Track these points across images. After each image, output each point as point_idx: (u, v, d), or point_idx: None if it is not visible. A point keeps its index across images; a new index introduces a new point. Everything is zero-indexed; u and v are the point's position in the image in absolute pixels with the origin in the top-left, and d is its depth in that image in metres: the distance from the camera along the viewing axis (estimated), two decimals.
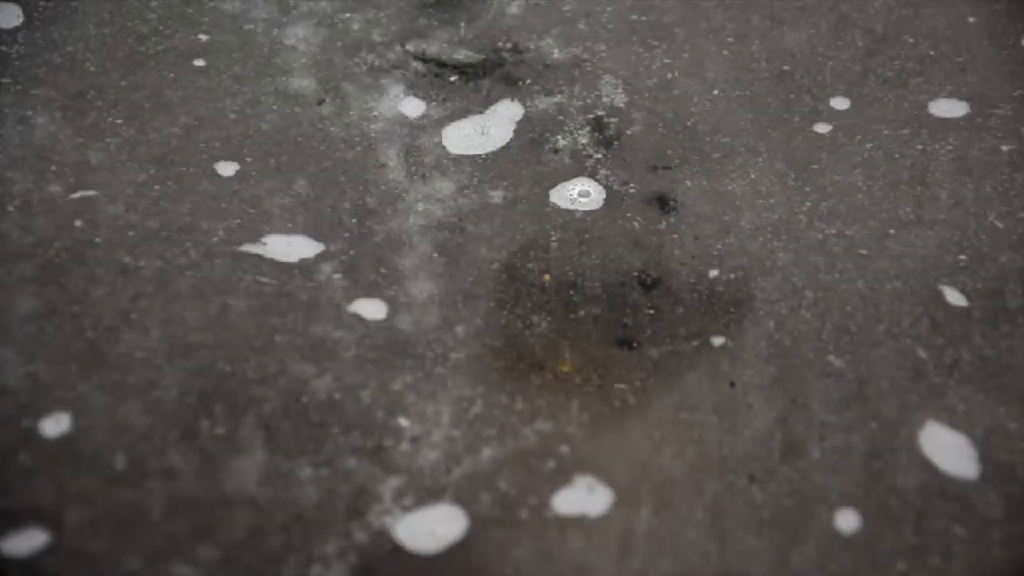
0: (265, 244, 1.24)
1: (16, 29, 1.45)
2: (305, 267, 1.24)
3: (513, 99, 1.35)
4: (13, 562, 1.02)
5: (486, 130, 1.32)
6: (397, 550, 1.04)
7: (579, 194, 1.19)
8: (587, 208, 1.20)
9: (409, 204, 1.31)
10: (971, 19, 1.52)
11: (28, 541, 1.02)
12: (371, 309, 1.21)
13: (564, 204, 1.22)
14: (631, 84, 1.44)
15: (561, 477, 1.09)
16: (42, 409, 1.10)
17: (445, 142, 1.36)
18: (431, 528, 1.07)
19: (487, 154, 1.34)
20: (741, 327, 1.21)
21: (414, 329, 1.20)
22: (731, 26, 1.52)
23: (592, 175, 1.26)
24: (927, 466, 1.11)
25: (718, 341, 1.19)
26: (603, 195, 1.20)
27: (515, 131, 1.35)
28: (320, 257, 1.24)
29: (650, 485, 1.09)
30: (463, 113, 1.40)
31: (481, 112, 1.38)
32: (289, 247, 1.25)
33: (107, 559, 1.02)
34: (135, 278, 1.22)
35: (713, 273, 1.25)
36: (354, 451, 1.10)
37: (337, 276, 1.24)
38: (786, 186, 1.33)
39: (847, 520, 1.07)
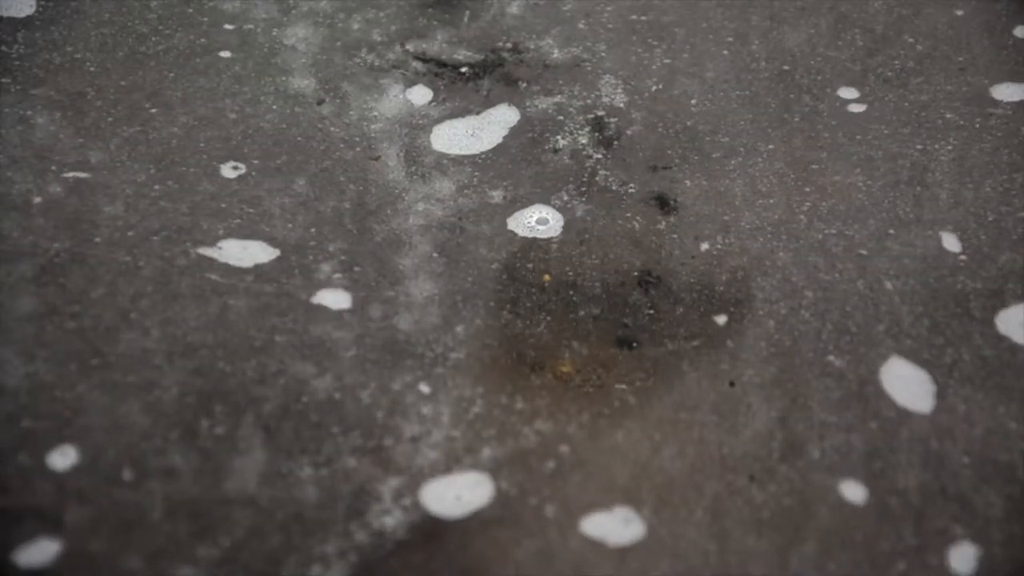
0: (220, 248, 1.24)
1: (28, 19, 1.45)
2: (261, 272, 1.23)
3: (511, 104, 1.35)
4: (15, 563, 1.02)
5: (477, 132, 1.32)
6: (400, 546, 1.04)
7: (537, 221, 1.19)
8: (546, 236, 1.21)
9: (409, 204, 1.31)
10: (971, 19, 1.52)
11: (41, 552, 1.02)
12: (334, 299, 1.21)
13: (522, 232, 1.22)
14: (631, 84, 1.45)
15: (599, 504, 1.09)
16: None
17: (432, 139, 1.36)
18: (457, 493, 1.07)
19: (472, 155, 1.34)
20: (741, 327, 1.21)
21: (414, 329, 1.20)
22: (731, 26, 1.52)
23: (552, 198, 1.26)
24: (886, 399, 1.11)
25: (721, 320, 1.19)
26: (561, 222, 1.20)
27: (505, 136, 1.35)
28: (278, 262, 1.24)
29: (650, 485, 1.09)
30: (463, 112, 1.40)
31: (477, 114, 1.38)
32: (244, 252, 1.24)
33: (107, 559, 1.02)
34: (135, 278, 1.22)
35: (713, 273, 1.25)
36: (354, 451, 1.10)
37: (337, 276, 1.24)
38: (786, 186, 1.33)
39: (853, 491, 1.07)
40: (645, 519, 1.06)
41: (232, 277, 1.23)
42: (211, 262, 1.24)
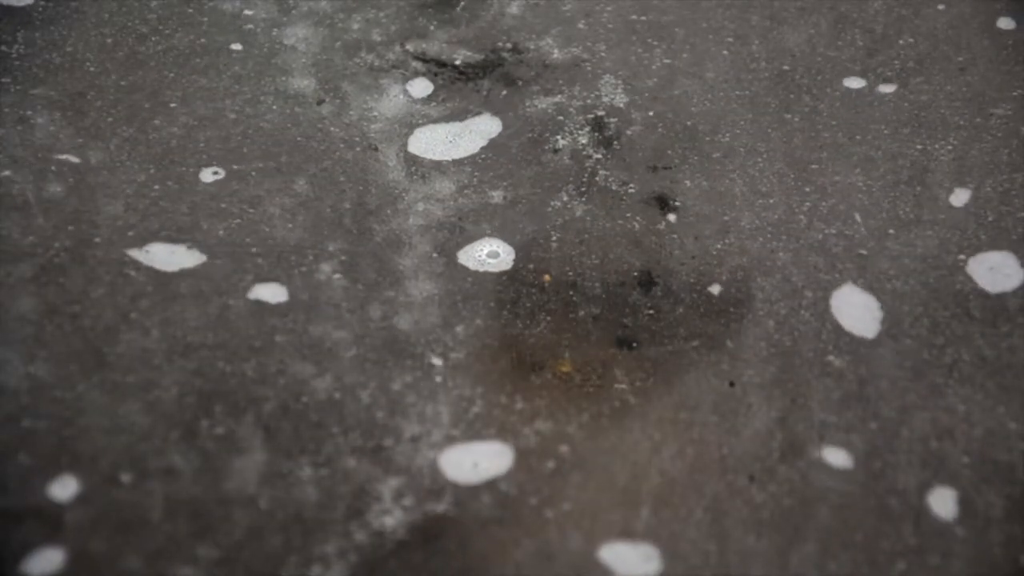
0: (148, 252, 1.24)
1: (28, 18, 1.45)
2: (187, 274, 1.23)
3: (495, 115, 1.35)
4: (11, 559, 1.02)
5: (456, 140, 1.32)
6: (400, 546, 1.04)
7: (488, 255, 1.19)
8: (497, 269, 1.21)
9: (409, 204, 1.31)
10: (971, 19, 1.52)
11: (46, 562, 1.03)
12: (269, 293, 1.21)
13: (473, 265, 1.21)
14: (631, 84, 1.44)
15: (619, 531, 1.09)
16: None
17: (411, 140, 1.36)
18: (475, 460, 1.08)
19: (445, 160, 1.33)
20: (741, 327, 1.21)
21: (414, 329, 1.20)
22: (731, 26, 1.52)
23: (493, 233, 1.26)
24: (832, 322, 1.12)
25: (715, 289, 1.19)
26: (512, 255, 1.20)
27: (483, 147, 1.34)
28: (204, 267, 1.23)
29: (650, 485, 1.09)
30: (462, 113, 1.41)
31: (461, 121, 1.37)
32: (171, 256, 1.24)
33: (107, 559, 1.02)
34: (135, 278, 1.22)
35: (713, 274, 1.25)
36: (354, 451, 1.10)
37: (337, 276, 1.24)
38: (786, 186, 1.33)
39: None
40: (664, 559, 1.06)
41: (232, 276, 1.23)
42: (211, 262, 1.24)
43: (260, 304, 1.21)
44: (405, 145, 1.35)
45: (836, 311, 1.17)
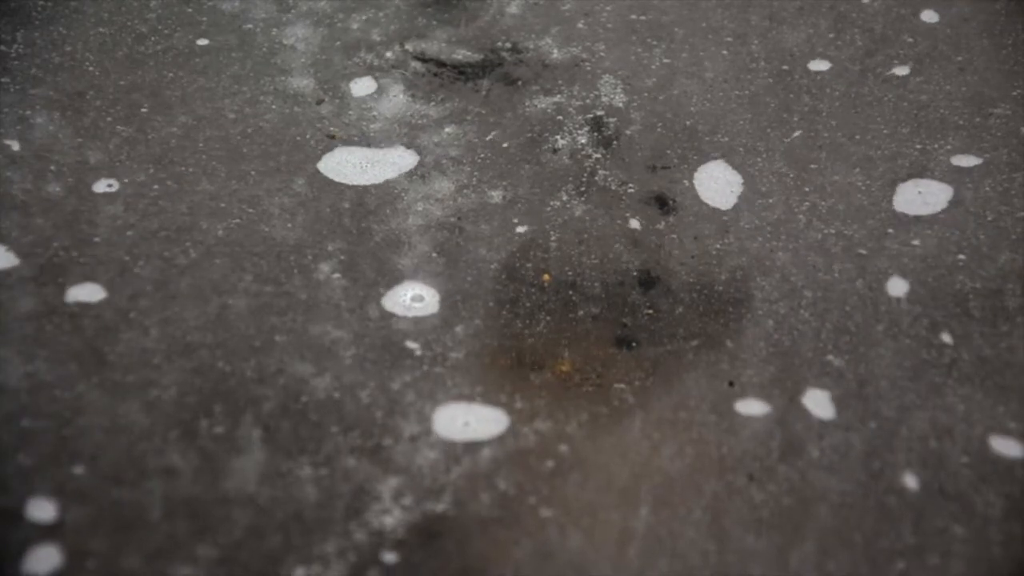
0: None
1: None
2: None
3: (409, 147, 1.34)
4: (11, 560, 1.02)
5: (367, 167, 1.31)
6: (400, 546, 1.04)
7: (412, 299, 1.19)
8: (424, 312, 1.20)
9: (408, 204, 1.31)
10: (970, 19, 1.52)
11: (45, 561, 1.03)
12: (86, 292, 1.20)
13: (399, 311, 1.21)
14: (630, 84, 1.45)
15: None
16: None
17: (324, 158, 1.35)
18: (465, 419, 1.10)
19: (351, 184, 1.32)
20: (740, 327, 1.21)
21: (413, 328, 1.20)
22: (730, 26, 1.52)
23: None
24: (694, 196, 1.16)
25: (714, 288, 1.19)
26: (437, 298, 1.20)
27: (388, 179, 1.33)
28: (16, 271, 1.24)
29: (649, 484, 1.09)
30: (461, 114, 1.40)
31: (381, 148, 1.35)
32: None
33: (107, 559, 1.02)
34: (134, 278, 1.22)
35: (712, 273, 1.25)
36: (353, 451, 1.10)
37: (336, 276, 1.24)
38: (785, 186, 1.33)
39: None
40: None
41: (232, 276, 1.23)
42: (211, 262, 1.24)
43: (259, 302, 1.21)
44: (316, 163, 1.34)
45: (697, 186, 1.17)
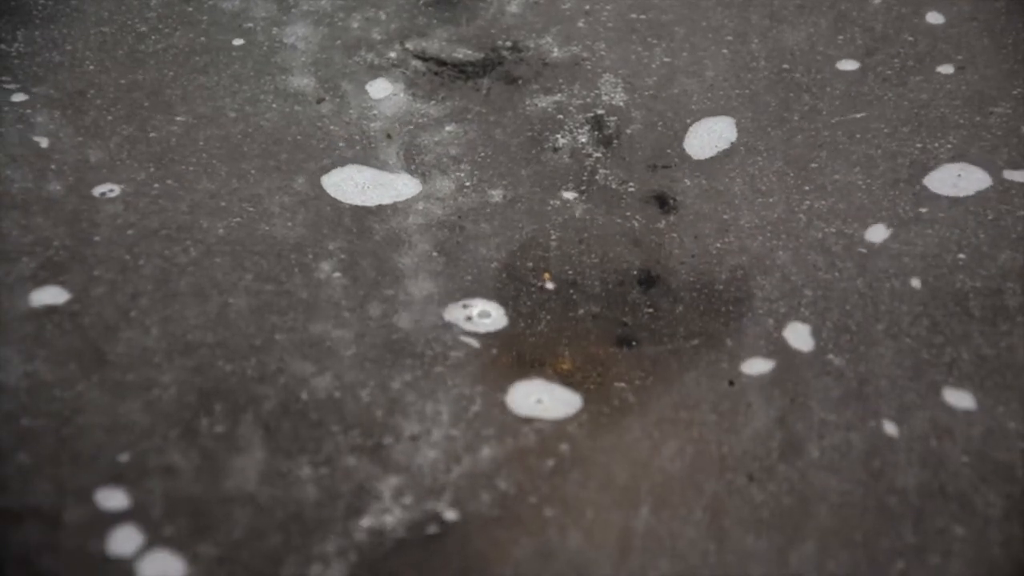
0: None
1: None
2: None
3: (363, 165, 1.34)
4: (10, 560, 1.02)
5: (367, 189, 1.30)
6: (400, 545, 1.04)
7: (479, 314, 1.20)
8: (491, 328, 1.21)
9: (408, 203, 1.31)
10: (971, 19, 1.52)
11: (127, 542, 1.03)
12: (50, 295, 1.20)
13: (467, 325, 1.21)
14: (630, 83, 1.45)
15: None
16: None
17: (324, 179, 1.34)
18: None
19: (348, 204, 1.31)
20: (740, 326, 1.21)
21: (413, 328, 1.20)
22: (730, 25, 1.52)
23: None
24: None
25: (715, 288, 1.19)
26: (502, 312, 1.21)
27: (381, 204, 1.32)
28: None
29: (649, 484, 1.09)
30: (461, 113, 1.40)
31: (391, 172, 1.34)
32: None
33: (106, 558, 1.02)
34: (135, 276, 1.22)
35: (712, 272, 1.25)
36: (353, 450, 1.10)
37: (337, 275, 1.24)
38: (785, 185, 1.33)
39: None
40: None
41: (232, 275, 1.23)
42: (211, 261, 1.24)
43: (260, 301, 1.21)
44: (319, 183, 1.33)
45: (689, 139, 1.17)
